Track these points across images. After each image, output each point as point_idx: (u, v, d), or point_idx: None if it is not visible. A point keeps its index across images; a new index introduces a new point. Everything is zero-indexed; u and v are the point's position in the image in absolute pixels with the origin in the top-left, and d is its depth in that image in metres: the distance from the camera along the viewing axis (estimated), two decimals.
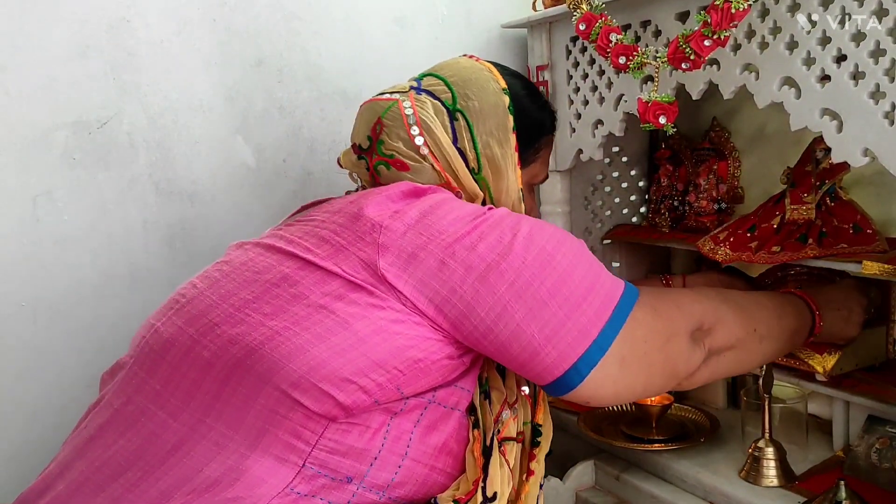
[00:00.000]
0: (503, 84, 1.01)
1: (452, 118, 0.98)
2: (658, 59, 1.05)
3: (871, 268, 1.06)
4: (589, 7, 1.14)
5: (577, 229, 1.52)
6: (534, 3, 1.42)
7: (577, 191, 1.51)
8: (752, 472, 1.14)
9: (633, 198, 1.59)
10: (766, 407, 1.15)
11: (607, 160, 1.53)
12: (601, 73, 1.29)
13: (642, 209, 1.59)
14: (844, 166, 1.17)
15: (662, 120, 1.05)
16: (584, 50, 1.33)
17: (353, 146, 1.03)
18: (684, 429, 1.32)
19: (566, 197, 1.47)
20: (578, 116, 1.36)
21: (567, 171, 1.44)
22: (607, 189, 1.56)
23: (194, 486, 0.79)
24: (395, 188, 0.91)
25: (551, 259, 0.85)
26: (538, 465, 0.97)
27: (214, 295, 0.88)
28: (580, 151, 1.37)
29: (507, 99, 1.00)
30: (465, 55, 1.08)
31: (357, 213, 0.88)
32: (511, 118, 0.99)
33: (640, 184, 1.59)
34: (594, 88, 1.31)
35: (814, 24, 0.95)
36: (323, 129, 1.36)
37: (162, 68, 1.22)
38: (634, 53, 1.07)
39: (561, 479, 1.28)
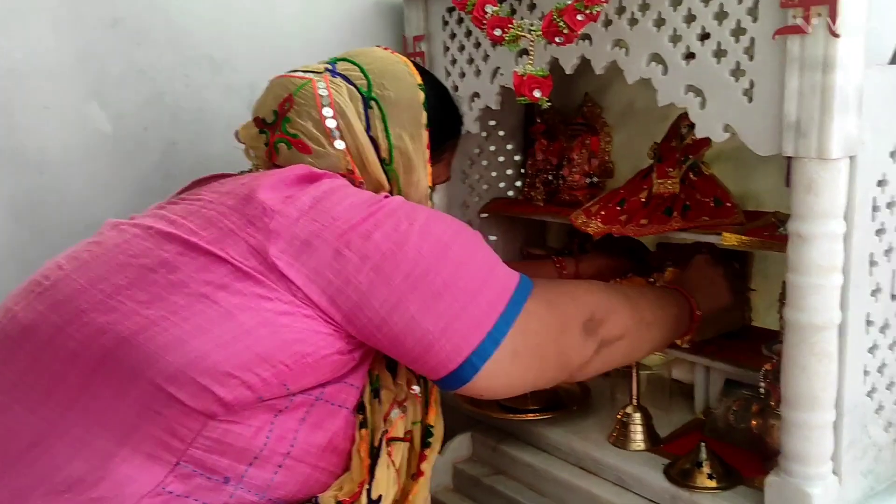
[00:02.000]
0: (419, 79, 0.99)
1: (367, 106, 0.95)
2: (533, 33, 1.06)
3: (730, 239, 1.11)
4: None
5: (454, 203, 1.51)
6: None
7: (455, 164, 1.50)
8: (620, 437, 1.18)
9: (509, 172, 1.60)
10: (634, 374, 1.19)
11: (484, 134, 1.53)
12: (477, 45, 1.29)
13: (518, 183, 1.61)
14: (707, 142, 1.22)
15: (537, 94, 1.05)
16: (460, 21, 1.32)
17: (256, 119, 0.98)
18: (558, 398, 1.35)
19: None
20: (455, 89, 1.35)
21: None
22: (484, 163, 1.56)
23: (53, 486, 0.73)
24: (290, 171, 0.87)
25: (447, 250, 0.84)
26: (428, 466, 0.96)
27: (82, 278, 0.81)
28: None
29: (422, 95, 0.98)
30: (378, 46, 1.06)
31: (248, 196, 0.83)
32: (425, 114, 0.97)
33: (516, 158, 1.60)
34: (471, 61, 1.31)
35: (679, 2, 0.97)
36: (188, 97, 1.28)
37: (1, 26, 1.11)
38: (510, 26, 1.07)
39: (439, 452, 1.28)
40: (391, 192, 0.96)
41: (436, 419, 0.98)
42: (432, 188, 1.03)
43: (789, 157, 0.90)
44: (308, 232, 0.80)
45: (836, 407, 0.93)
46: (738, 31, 0.92)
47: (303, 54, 1.37)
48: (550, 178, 1.50)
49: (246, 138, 0.99)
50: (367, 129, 0.95)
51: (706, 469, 1.04)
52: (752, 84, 0.92)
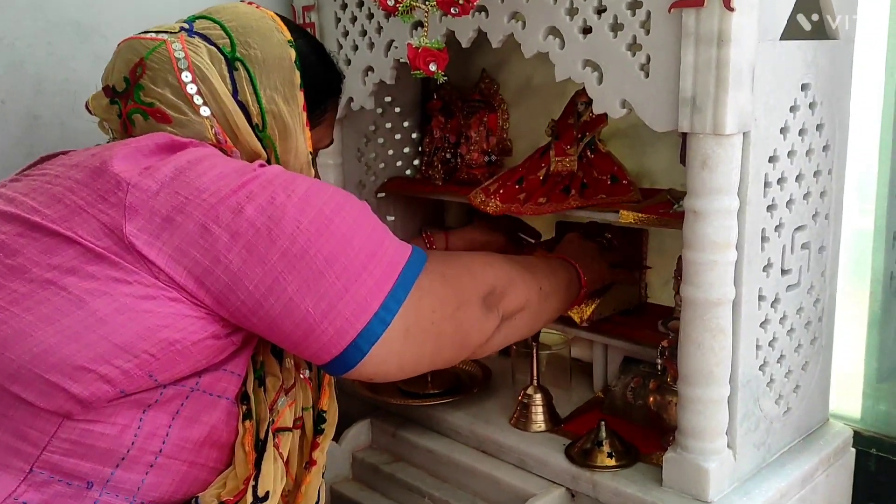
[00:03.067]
0: (288, 36, 0.90)
1: (232, 68, 0.86)
2: (427, 4, 1.01)
3: (626, 217, 1.11)
4: None
5: (350, 182, 1.46)
6: None
7: (350, 142, 1.45)
8: (521, 418, 1.17)
9: (406, 150, 1.56)
10: (534, 354, 1.18)
11: (379, 110, 1.48)
12: (370, 16, 1.23)
13: (416, 161, 1.56)
14: (603, 119, 1.21)
15: (433, 67, 1.01)
16: None
17: (105, 88, 0.88)
18: (458, 381, 1.33)
19: (338, 148, 1.40)
20: (348, 62, 1.29)
21: (338, 120, 1.36)
22: (380, 140, 1.51)
23: None
24: (147, 139, 0.78)
25: (329, 224, 0.77)
26: (321, 455, 0.90)
27: None
28: (351, 100, 1.30)
29: (293, 52, 0.89)
30: (242, 0, 0.96)
31: (99, 168, 0.74)
32: (298, 74, 0.89)
33: (413, 135, 1.56)
34: (364, 33, 1.25)
35: None
36: (52, 66, 1.17)
37: None
38: None
39: (336, 442, 1.24)
40: (268, 161, 0.89)
41: (329, 403, 0.92)
42: (314, 154, 0.96)
43: (684, 134, 0.90)
44: (170, 206, 0.72)
45: (731, 382, 0.94)
46: (635, 5, 0.91)
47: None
48: (448, 156, 1.47)
49: (97, 110, 0.89)
50: (235, 93, 0.86)
51: (606, 448, 1.04)
52: (648, 59, 0.91)
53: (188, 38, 0.86)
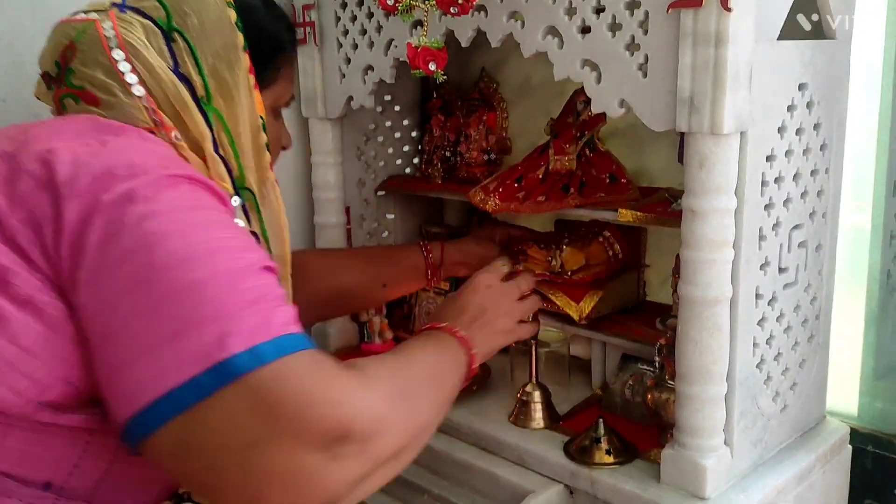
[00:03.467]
0: None
1: (169, 39, 0.81)
2: (427, 2, 1.02)
3: (625, 215, 1.12)
4: None
5: (350, 181, 1.46)
6: None
7: (349, 140, 1.45)
8: (520, 415, 1.17)
9: (406, 148, 1.56)
10: (534, 352, 1.18)
11: (379, 109, 1.49)
12: (370, 15, 1.23)
13: (415, 160, 1.57)
14: (602, 118, 1.22)
15: (432, 66, 1.02)
16: None
17: (43, 75, 0.84)
18: None
19: (338, 147, 1.40)
20: (348, 61, 1.29)
21: (338, 119, 1.37)
22: (380, 139, 1.52)
23: None
24: (70, 123, 0.75)
25: (150, 281, 0.62)
26: None
27: None
28: (350, 99, 1.31)
29: (232, 13, 0.84)
30: None
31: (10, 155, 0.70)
32: (240, 35, 0.84)
33: (413, 134, 1.57)
34: (363, 32, 1.25)
35: None
36: None
37: None
38: None
39: None
40: (215, 138, 0.83)
41: None
42: (272, 114, 0.92)
43: (682, 133, 0.91)
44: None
45: (728, 379, 0.94)
46: (633, 5, 0.91)
47: None
48: (448, 154, 1.47)
49: (42, 97, 0.85)
50: (175, 66, 0.81)
51: (604, 445, 1.05)
52: (646, 58, 0.91)
53: (119, 13, 0.82)
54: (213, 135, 0.83)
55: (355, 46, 1.27)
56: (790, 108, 0.96)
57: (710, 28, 0.84)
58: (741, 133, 0.89)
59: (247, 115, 0.85)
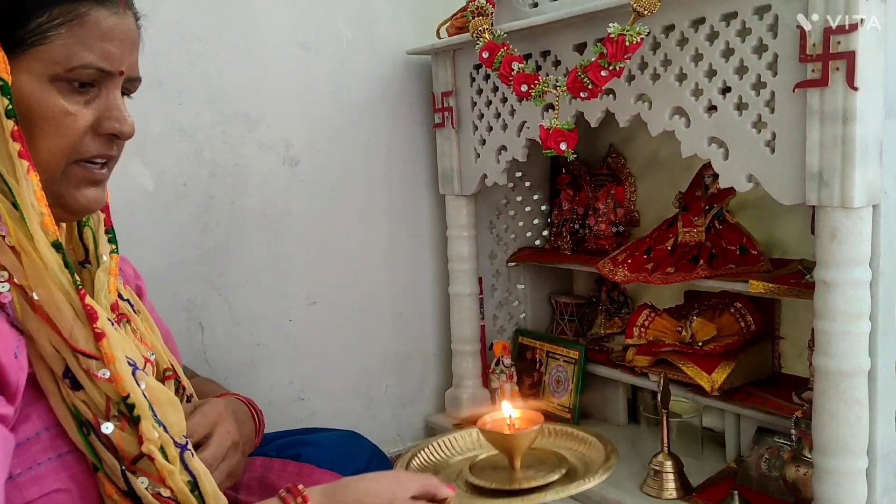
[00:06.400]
0: None
1: None
2: (558, 88, 1.09)
3: (756, 286, 1.13)
4: (491, 36, 1.17)
5: (482, 252, 1.54)
6: (437, 31, 1.44)
7: (483, 215, 1.54)
8: (652, 485, 1.18)
9: (535, 221, 1.63)
10: (664, 422, 1.19)
11: (511, 185, 1.57)
12: (504, 100, 1.33)
13: (545, 232, 1.63)
14: (731, 191, 1.24)
15: (563, 146, 1.08)
16: (487, 77, 1.36)
17: None
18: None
19: (471, 221, 1.49)
20: (483, 142, 1.39)
21: (472, 195, 1.46)
22: (511, 213, 1.60)
23: None
24: None
25: None
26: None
27: None
28: (485, 176, 1.39)
29: None
30: None
31: None
32: None
33: (543, 208, 1.63)
34: (497, 115, 1.35)
35: (700, 57, 1.01)
36: (225, 153, 1.33)
37: None
38: (536, 82, 1.11)
39: None
40: None
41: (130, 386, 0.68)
42: (51, 82, 0.67)
43: (813, 206, 0.92)
44: None
45: (869, 454, 0.92)
46: (759, 85, 0.95)
47: (334, 109, 1.44)
48: (577, 227, 1.53)
49: None
50: None
51: None
52: (773, 136, 0.94)
53: None
54: None
55: (490, 129, 1.37)
56: None
57: (838, 106, 0.86)
58: (873, 206, 0.90)
59: None
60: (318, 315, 1.45)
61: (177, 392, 0.80)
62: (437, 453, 0.95)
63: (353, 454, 0.99)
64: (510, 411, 0.89)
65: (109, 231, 0.78)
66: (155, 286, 0.93)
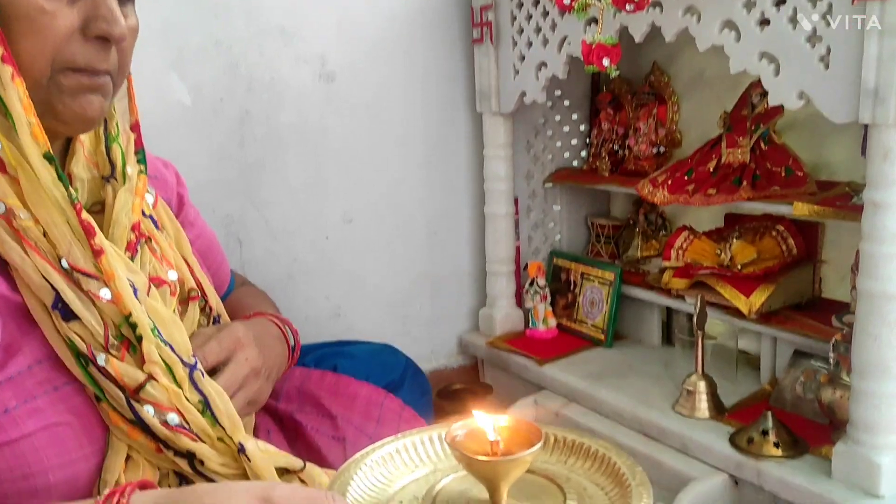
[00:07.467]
0: None
1: None
2: (602, 1, 1.06)
3: (801, 209, 1.10)
4: None
5: (518, 173, 1.52)
6: None
7: (520, 134, 1.52)
8: (685, 405, 1.19)
9: (574, 142, 1.60)
10: (699, 343, 1.19)
11: (549, 104, 1.54)
12: (545, 14, 1.29)
13: (583, 153, 1.61)
14: (779, 110, 1.20)
15: (606, 62, 1.05)
16: None
17: None
18: None
19: (509, 140, 1.47)
20: (522, 58, 1.35)
21: (510, 114, 1.44)
22: (549, 133, 1.57)
23: None
24: None
25: None
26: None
27: None
28: (523, 94, 1.37)
29: None
30: None
31: None
32: None
33: (582, 128, 1.60)
34: (538, 30, 1.31)
35: None
36: (262, 67, 1.32)
37: None
38: None
39: None
40: None
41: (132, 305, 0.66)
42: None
43: (866, 126, 0.89)
44: None
45: None
46: None
47: (371, 24, 1.41)
48: (616, 147, 1.50)
49: None
50: None
51: (772, 437, 1.04)
52: (828, 50, 0.90)
53: None
54: None
55: (529, 44, 1.33)
56: None
57: None
58: None
59: None
60: (354, 233, 1.45)
61: (202, 313, 0.78)
62: (383, 473, 0.61)
63: (388, 366, 1.01)
64: (493, 433, 0.56)
65: (139, 152, 0.74)
66: (194, 201, 0.93)
